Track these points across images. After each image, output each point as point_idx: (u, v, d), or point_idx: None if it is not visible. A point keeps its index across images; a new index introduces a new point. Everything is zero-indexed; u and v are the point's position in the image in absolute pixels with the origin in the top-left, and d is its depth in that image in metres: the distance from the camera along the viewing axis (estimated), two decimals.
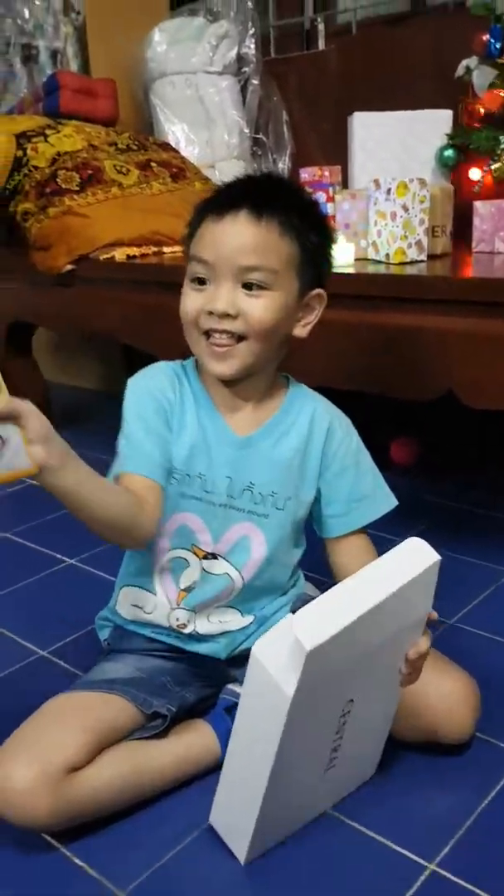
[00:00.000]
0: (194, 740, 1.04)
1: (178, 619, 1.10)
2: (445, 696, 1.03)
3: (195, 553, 1.08)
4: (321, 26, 2.51)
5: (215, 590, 1.09)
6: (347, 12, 2.41)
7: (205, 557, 1.08)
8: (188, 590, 1.09)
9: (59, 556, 1.70)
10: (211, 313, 0.97)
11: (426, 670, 1.00)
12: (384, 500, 1.13)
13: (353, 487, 1.10)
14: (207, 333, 0.99)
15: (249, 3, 2.43)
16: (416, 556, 0.85)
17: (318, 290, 1.04)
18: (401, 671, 0.93)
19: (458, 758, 1.07)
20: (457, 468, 2.06)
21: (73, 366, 2.95)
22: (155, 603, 1.11)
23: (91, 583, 1.57)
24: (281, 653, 0.80)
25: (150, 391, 1.05)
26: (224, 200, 0.98)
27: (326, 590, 1.25)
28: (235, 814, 0.92)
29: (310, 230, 1.00)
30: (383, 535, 1.69)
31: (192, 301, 0.99)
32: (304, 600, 1.18)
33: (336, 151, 2.09)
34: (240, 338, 0.98)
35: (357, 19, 2.38)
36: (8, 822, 0.91)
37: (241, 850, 0.92)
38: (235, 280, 0.97)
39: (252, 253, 0.96)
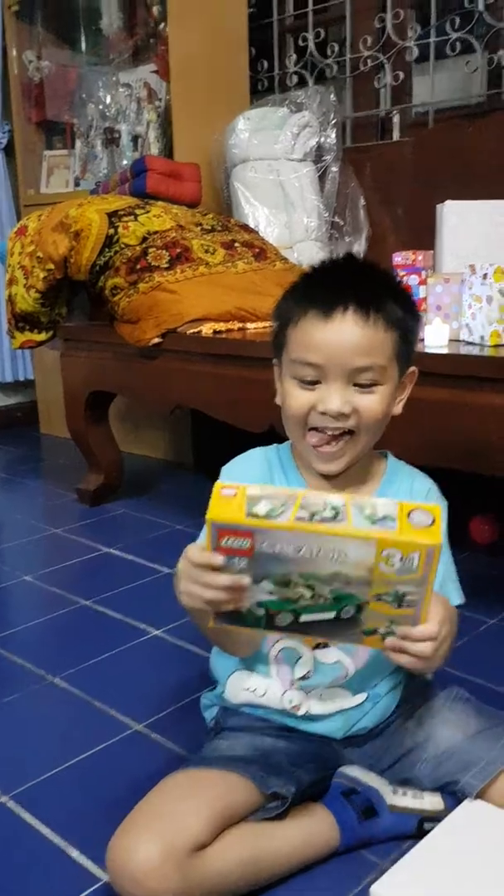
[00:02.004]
0: (315, 827, 1.02)
1: (291, 702, 1.09)
2: None
3: (306, 643, 1.07)
4: (396, 118, 2.61)
5: (329, 677, 1.07)
6: (424, 105, 2.49)
7: (316, 647, 1.07)
8: (303, 678, 1.08)
9: (142, 626, 1.69)
10: (324, 413, 0.97)
11: None
12: (452, 595, 1.08)
13: None
14: (315, 429, 1.00)
15: (332, 97, 2.53)
16: None
17: (412, 369, 1.05)
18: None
19: None
20: None
21: (141, 435, 2.99)
22: (267, 686, 1.09)
23: (178, 655, 1.56)
24: None
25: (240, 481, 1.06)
26: (329, 297, 0.96)
27: None
28: None
29: (407, 316, 1.01)
30: (468, 614, 1.69)
31: (300, 400, 0.99)
32: (417, 679, 1.17)
33: (412, 235, 2.15)
34: (349, 432, 0.99)
35: (433, 112, 2.47)
36: None
37: None
38: (347, 380, 0.97)
39: (364, 355, 0.96)
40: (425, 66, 2.47)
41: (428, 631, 0.84)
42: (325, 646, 1.06)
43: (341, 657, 1.07)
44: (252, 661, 1.09)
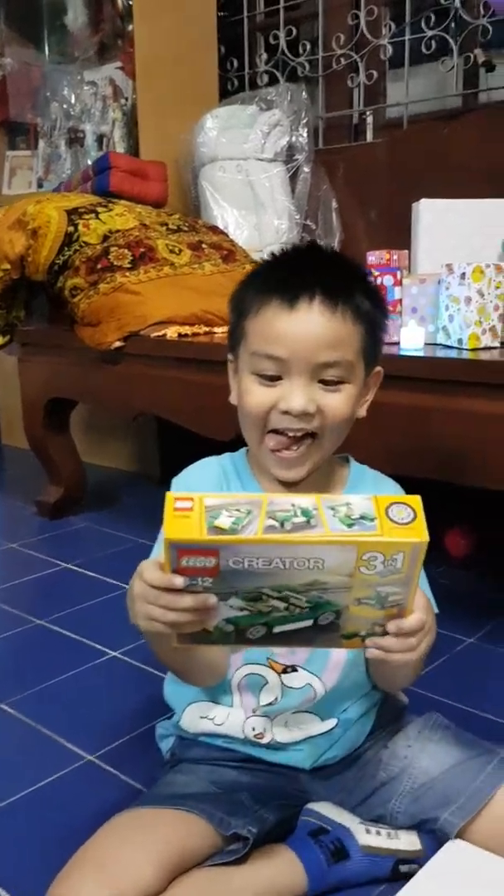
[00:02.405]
0: (279, 871, 0.92)
1: (254, 729, 0.99)
2: None
3: (272, 668, 0.97)
4: (370, 119, 2.54)
5: (296, 700, 0.98)
6: (399, 106, 2.43)
7: (284, 671, 0.97)
8: (268, 705, 0.98)
9: (99, 646, 1.58)
10: (286, 412, 0.88)
11: None
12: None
13: None
14: (274, 431, 0.90)
15: (304, 94, 2.46)
16: None
17: (378, 369, 0.97)
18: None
19: None
20: None
21: (105, 446, 2.88)
22: (228, 713, 1.00)
23: (136, 678, 1.45)
24: None
25: None
26: (293, 285, 0.88)
27: (404, 692, 1.16)
28: None
29: (375, 310, 0.93)
30: (445, 633, 1.60)
31: (260, 398, 0.90)
32: (391, 704, 1.08)
33: (385, 238, 2.07)
34: (311, 435, 0.90)
35: (408, 114, 2.40)
36: None
37: None
38: (312, 376, 0.88)
39: (331, 348, 0.88)
40: (401, 67, 2.40)
41: (419, 619, 0.75)
42: (294, 669, 0.97)
43: (310, 680, 0.97)
44: (213, 690, 1.00)
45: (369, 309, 0.92)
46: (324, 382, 0.89)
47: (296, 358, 0.87)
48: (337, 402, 0.90)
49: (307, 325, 0.87)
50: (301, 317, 0.87)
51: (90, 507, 2.42)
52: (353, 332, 0.89)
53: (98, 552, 2.08)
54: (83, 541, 2.19)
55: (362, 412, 0.97)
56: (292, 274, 0.90)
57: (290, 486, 0.95)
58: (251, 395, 0.90)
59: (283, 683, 0.97)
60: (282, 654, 0.97)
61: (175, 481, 1.00)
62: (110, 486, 2.66)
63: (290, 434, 0.90)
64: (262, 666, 0.97)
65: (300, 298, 0.87)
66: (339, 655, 0.98)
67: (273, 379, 0.89)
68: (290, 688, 0.97)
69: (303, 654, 0.97)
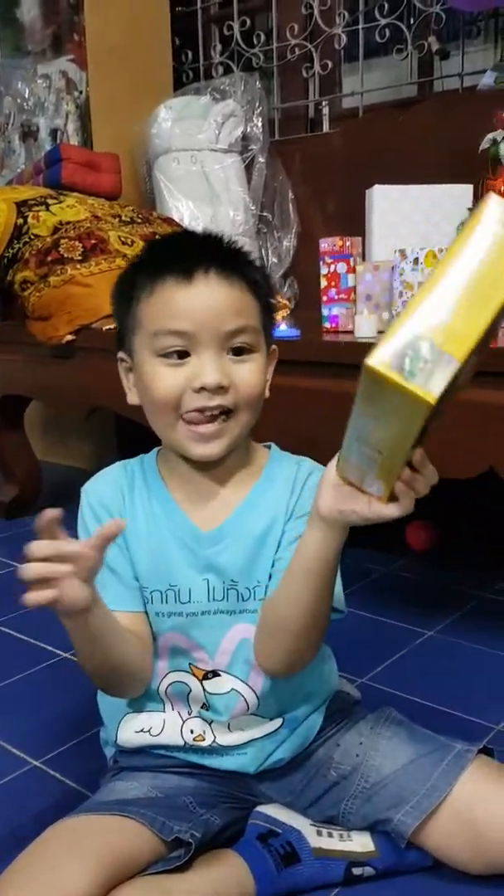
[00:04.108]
0: (225, 877, 0.87)
1: (192, 732, 0.95)
2: None
3: (194, 674, 0.94)
4: (326, 109, 2.51)
5: (227, 710, 0.94)
6: (354, 95, 2.40)
7: (205, 677, 0.93)
8: (203, 707, 0.95)
9: (50, 648, 1.54)
10: (201, 389, 0.84)
11: (489, 787, 0.89)
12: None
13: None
14: (187, 415, 0.86)
15: (258, 84, 2.42)
16: None
17: (273, 347, 0.94)
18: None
19: None
20: (478, 552, 1.94)
21: (64, 444, 2.83)
22: (163, 720, 0.95)
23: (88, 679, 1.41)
24: None
25: (94, 510, 0.93)
26: (186, 261, 0.85)
27: (357, 688, 1.12)
28: None
29: (266, 285, 0.92)
30: (405, 626, 1.57)
31: (169, 380, 0.85)
32: (341, 699, 1.04)
33: (343, 230, 2.04)
34: (228, 412, 0.86)
35: (363, 104, 2.38)
36: None
37: None
38: (220, 346, 0.85)
39: (235, 315, 0.85)
40: (357, 58, 2.37)
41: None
42: (216, 674, 0.93)
43: (235, 684, 0.93)
44: (142, 700, 0.95)
45: (260, 282, 0.90)
46: (234, 352, 0.86)
47: (202, 329, 0.84)
48: (248, 375, 0.87)
49: (208, 296, 0.84)
50: (200, 288, 0.84)
51: (46, 506, 2.36)
52: (251, 302, 0.88)
53: None
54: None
55: (267, 392, 0.93)
56: (183, 253, 0.87)
57: (205, 466, 0.91)
58: (159, 379, 0.85)
59: (205, 690, 0.93)
60: (202, 659, 0.93)
61: (84, 490, 0.96)
62: (68, 485, 2.59)
63: (207, 413, 0.85)
64: (185, 673, 0.94)
65: (195, 271, 0.84)
66: None
67: (181, 356, 0.85)
68: (214, 693, 0.93)
69: (223, 658, 0.93)
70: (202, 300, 0.84)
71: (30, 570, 0.71)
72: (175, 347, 0.84)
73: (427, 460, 0.70)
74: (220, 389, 0.84)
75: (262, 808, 0.96)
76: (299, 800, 0.97)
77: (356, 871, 0.92)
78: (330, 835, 0.94)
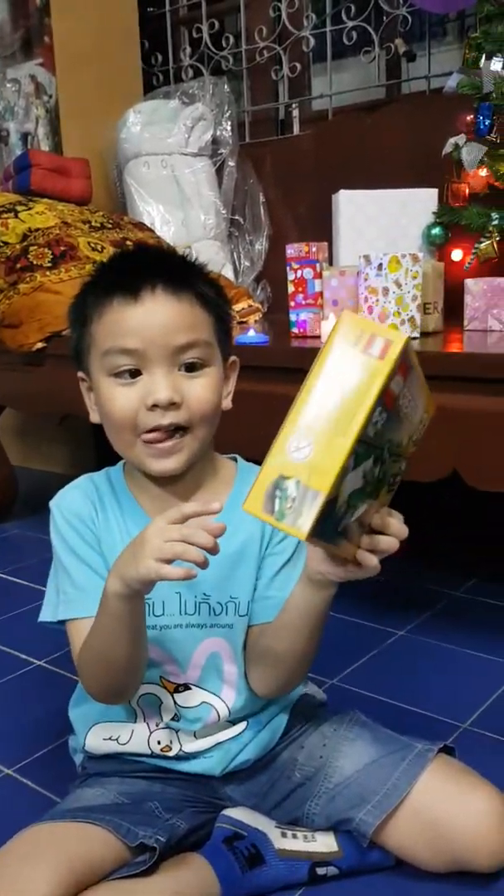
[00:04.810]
0: (188, 878, 0.89)
1: (159, 743, 0.96)
2: (474, 816, 0.90)
3: (165, 687, 0.95)
4: (296, 112, 2.52)
5: (199, 721, 0.95)
6: (323, 98, 2.41)
7: (176, 690, 0.95)
8: (172, 720, 0.96)
9: (24, 656, 1.55)
10: (154, 406, 0.85)
11: (449, 786, 0.91)
12: None
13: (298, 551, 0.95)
14: (144, 436, 0.87)
15: (226, 87, 2.43)
16: None
17: (233, 358, 0.95)
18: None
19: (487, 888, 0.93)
20: (448, 552, 1.96)
21: (39, 450, 2.83)
22: (132, 731, 0.97)
23: (63, 687, 1.41)
24: None
25: (68, 520, 0.94)
26: (132, 280, 0.86)
27: (327, 689, 1.14)
28: None
29: (219, 299, 0.92)
30: (375, 626, 1.59)
31: (122, 401, 0.86)
32: (306, 701, 1.06)
33: (314, 233, 2.05)
34: (183, 429, 0.87)
35: (332, 107, 2.39)
36: None
37: None
38: (171, 363, 0.86)
39: (185, 330, 0.86)
40: (328, 61, 2.39)
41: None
42: (187, 688, 0.95)
43: (207, 698, 0.95)
44: (114, 710, 0.97)
45: (214, 297, 0.91)
46: (186, 368, 0.87)
47: (151, 346, 0.85)
48: (201, 390, 0.87)
49: (155, 313, 0.85)
50: (147, 306, 0.85)
51: (23, 513, 2.37)
52: (201, 316, 0.89)
53: (28, 560, 2.03)
54: (13, 548, 2.14)
55: (228, 404, 0.95)
56: (130, 271, 0.88)
57: (175, 485, 0.92)
58: (113, 400, 0.86)
59: (176, 703, 0.95)
60: (174, 672, 0.95)
61: (53, 503, 0.96)
62: (45, 491, 2.58)
63: (162, 430, 0.86)
64: (156, 685, 0.95)
65: (142, 290, 0.85)
66: (232, 672, 0.96)
67: (133, 374, 0.86)
68: (185, 707, 0.95)
69: (195, 672, 0.95)
70: (149, 317, 0.85)
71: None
72: (126, 366, 0.85)
73: (390, 519, 0.77)
74: (173, 406, 0.85)
75: (228, 812, 0.97)
76: (264, 802, 0.99)
77: (320, 871, 0.94)
78: (294, 836, 0.96)
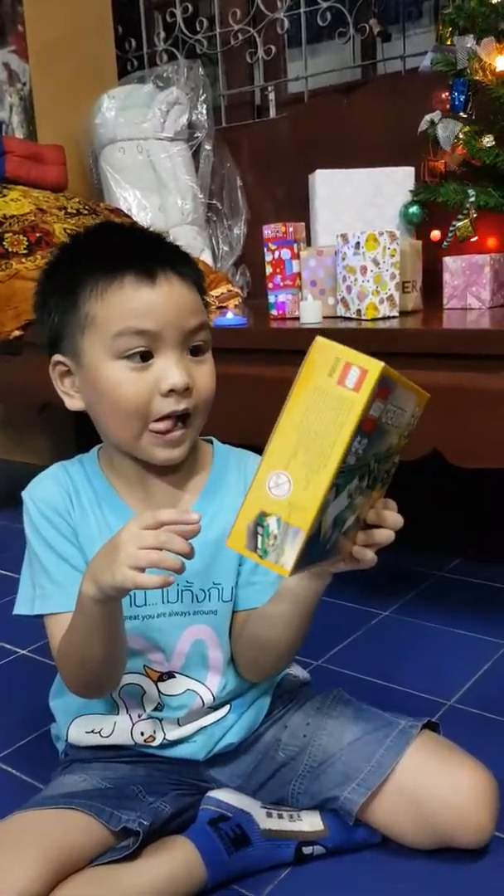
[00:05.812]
0: (175, 864, 0.88)
1: (142, 734, 0.95)
2: (459, 792, 0.90)
3: (148, 675, 0.94)
4: (272, 95, 2.51)
5: (183, 709, 0.94)
6: (299, 80, 2.39)
7: (160, 679, 0.94)
8: (155, 710, 0.95)
9: (7, 646, 1.53)
10: (171, 392, 0.82)
11: (433, 762, 0.90)
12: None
13: None
14: (156, 424, 0.84)
15: (201, 70, 2.41)
16: None
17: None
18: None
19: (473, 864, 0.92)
20: (433, 532, 1.96)
21: (20, 441, 2.81)
22: (114, 723, 0.96)
23: (47, 673, 1.40)
24: None
25: (43, 512, 0.91)
26: (144, 259, 0.84)
27: (313, 670, 1.13)
28: None
29: (202, 283, 0.91)
30: (360, 607, 1.59)
31: (137, 386, 0.82)
32: (289, 681, 1.05)
33: (292, 216, 2.04)
34: (185, 417, 0.86)
35: (308, 89, 2.37)
36: None
37: None
38: (182, 347, 0.84)
39: (196, 313, 0.86)
40: (303, 44, 2.37)
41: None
42: (171, 676, 0.94)
43: (192, 685, 0.94)
44: (95, 702, 0.95)
45: (201, 283, 0.90)
46: (193, 352, 0.86)
47: (168, 329, 0.83)
48: (205, 376, 0.87)
49: (172, 296, 0.84)
50: (164, 288, 0.84)
51: (3, 505, 2.34)
52: (198, 298, 0.88)
53: (11, 551, 1.99)
54: None
55: None
56: (135, 249, 0.87)
57: (163, 471, 0.91)
58: (126, 384, 0.83)
59: (160, 692, 0.94)
60: (158, 661, 0.94)
61: (24, 498, 0.93)
62: (26, 482, 2.58)
63: (172, 419, 0.85)
64: (139, 675, 0.94)
65: (157, 270, 0.83)
66: (217, 658, 0.95)
67: (144, 357, 0.83)
68: (169, 695, 0.94)
69: (179, 660, 0.94)
70: (167, 300, 0.83)
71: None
72: (139, 348, 0.83)
73: (386, 513, 0.77)
74: (186, 391, 0.84)
75: (213, 794, 0.96)
76: (249, 783, 0.98)
77: (306, 850, 0.94)
78: (280, 816, 0.95)
